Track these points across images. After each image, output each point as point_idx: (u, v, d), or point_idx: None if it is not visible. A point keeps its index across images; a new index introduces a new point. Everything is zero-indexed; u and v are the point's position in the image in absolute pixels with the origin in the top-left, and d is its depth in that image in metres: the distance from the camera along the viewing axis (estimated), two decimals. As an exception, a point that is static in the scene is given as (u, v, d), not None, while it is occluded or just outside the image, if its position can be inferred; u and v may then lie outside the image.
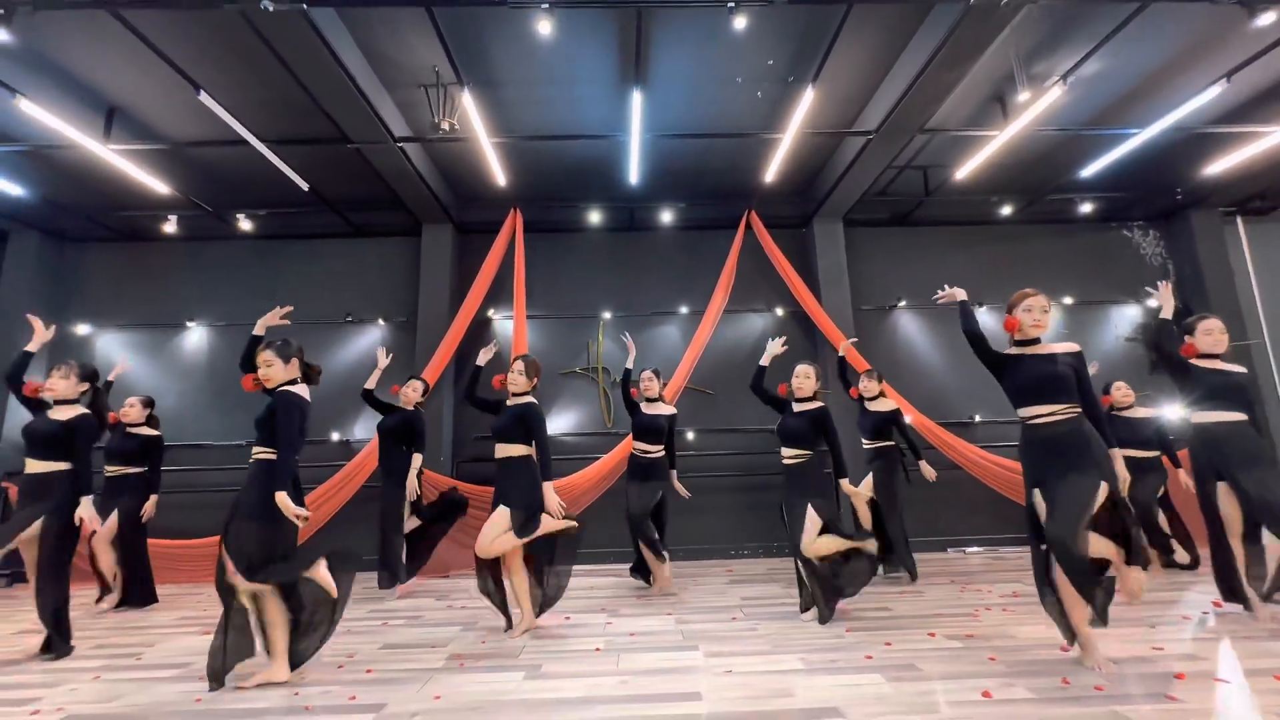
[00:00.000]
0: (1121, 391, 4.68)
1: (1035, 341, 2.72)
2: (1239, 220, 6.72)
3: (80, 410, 3.29)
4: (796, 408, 3.58)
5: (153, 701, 2.49)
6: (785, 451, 3.58)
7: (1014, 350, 2.75)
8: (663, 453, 4.41)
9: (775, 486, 5.79)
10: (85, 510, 3.11)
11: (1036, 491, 2.58)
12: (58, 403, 3.29)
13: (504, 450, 3.40)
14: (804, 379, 3.57)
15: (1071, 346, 2.68)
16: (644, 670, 2.69)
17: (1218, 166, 5.41)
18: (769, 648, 2.96)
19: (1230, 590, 3.22)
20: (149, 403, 4.60)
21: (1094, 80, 4.60)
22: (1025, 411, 2.65)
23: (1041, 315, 2.65)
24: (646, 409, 4.44)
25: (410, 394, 4.75)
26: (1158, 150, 5.43)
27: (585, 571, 5.33)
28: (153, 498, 4.43)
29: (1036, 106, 4.21)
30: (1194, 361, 3.31)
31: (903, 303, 6.45)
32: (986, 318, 6.48)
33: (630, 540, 4.39)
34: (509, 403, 3.48)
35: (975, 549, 5.84)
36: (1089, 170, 5.49)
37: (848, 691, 2.37)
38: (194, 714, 2.37)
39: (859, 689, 2.40)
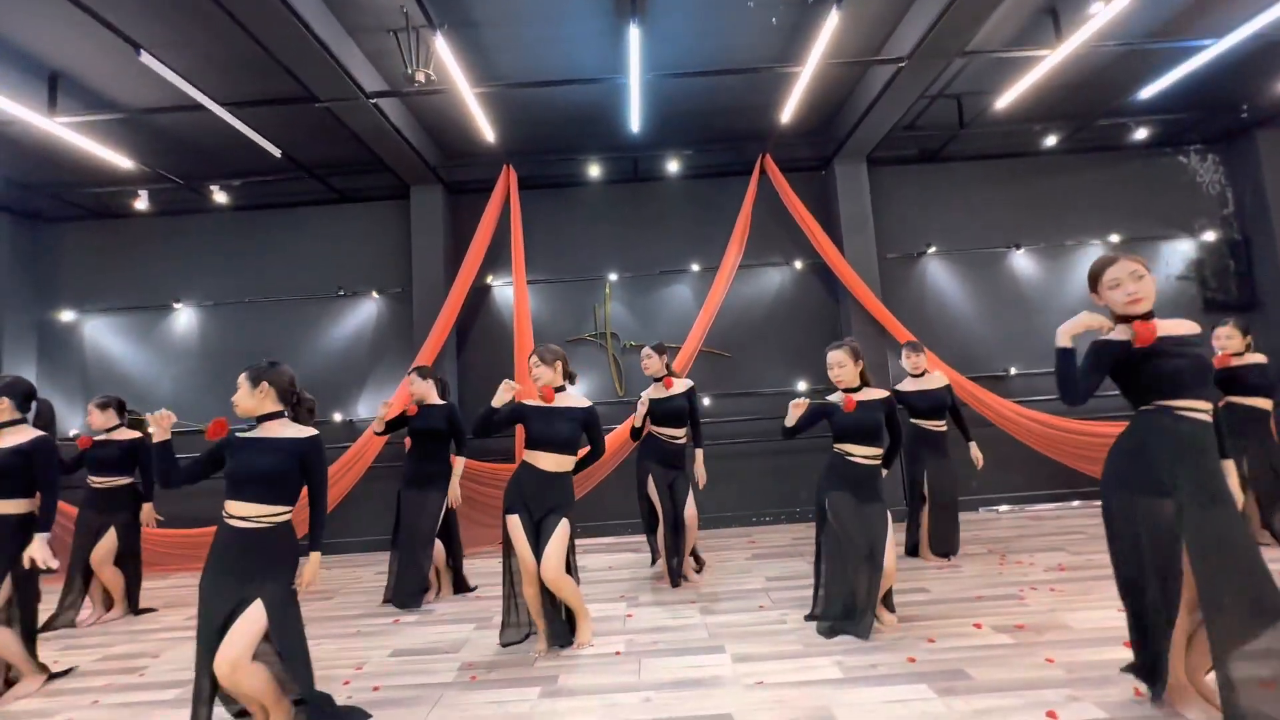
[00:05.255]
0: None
1: (1148, 316, 1.99)
2: (1310, 138, 6.04)
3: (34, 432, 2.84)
4: (861, 397, 2.96)
5: (149, 734, 2.35)
6: (856, 450, 2.94)
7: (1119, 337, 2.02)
8: (684, 436, 3.94)
9: (796, 450, 5.56)
10: (38, 550, 2.67)
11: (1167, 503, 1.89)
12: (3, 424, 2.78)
13: (562, 462, 2.99)
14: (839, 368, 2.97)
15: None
16: (668, 682, 2.50)
17: (1296, 78, 4.77)
18: (801, 648, 2.75)
19: None
20: (119, 405, 4.03)
21: (1165, -18, 3.96)
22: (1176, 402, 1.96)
23: (1136, 284, 1.98)
24: (656, 392, 3.83)
25: (426, 390, 3.96)
26: (1227, 63, 4.77)
27: (603, 547, 5.19)
28: (147, 506, 4.04)
29: (1103, 15, 3.61)
30: None
31: (932, 249, 5.96)
32: (1025, 261, 5.99)
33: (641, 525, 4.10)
34: (557, 404, 2.99)
35: (1007, 508, 5.60)
36: (1149, 91, 4.86)
37: (894, 710, 2.16)
38: (189, 752, 2.21)
39: (906, 706, 2.18)
